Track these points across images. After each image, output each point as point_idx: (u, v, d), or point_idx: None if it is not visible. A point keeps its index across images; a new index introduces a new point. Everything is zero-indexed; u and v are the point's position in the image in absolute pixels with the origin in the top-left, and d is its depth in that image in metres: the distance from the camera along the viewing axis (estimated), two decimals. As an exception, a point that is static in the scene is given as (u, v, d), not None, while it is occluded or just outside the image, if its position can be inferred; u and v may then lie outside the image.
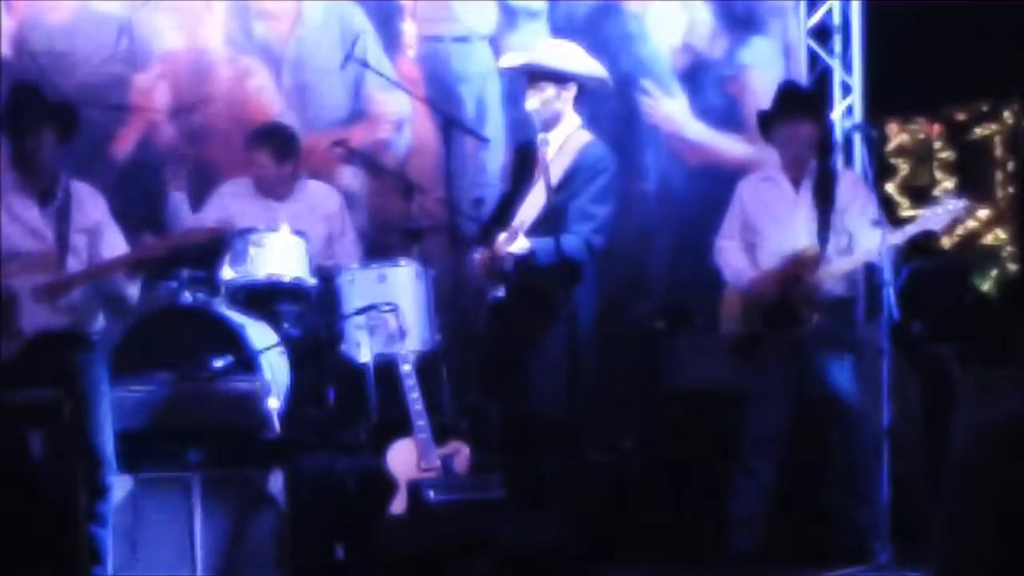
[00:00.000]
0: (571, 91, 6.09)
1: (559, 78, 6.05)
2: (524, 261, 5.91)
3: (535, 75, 6.10)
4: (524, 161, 6.24)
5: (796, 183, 6.44)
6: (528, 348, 6.01)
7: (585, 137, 6.13)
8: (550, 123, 6.05)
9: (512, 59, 6.41)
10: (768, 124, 6.53)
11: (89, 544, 5.64)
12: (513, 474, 6.07)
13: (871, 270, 6.56)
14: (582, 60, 6.22)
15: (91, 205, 5.88)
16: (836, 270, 6.33)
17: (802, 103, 6.56)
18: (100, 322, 5.86)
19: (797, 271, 6.29)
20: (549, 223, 5.85)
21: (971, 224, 10.11)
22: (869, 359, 6.89)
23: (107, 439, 5.73)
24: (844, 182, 6.50)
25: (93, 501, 5.65)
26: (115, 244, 5.90)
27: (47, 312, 5.65)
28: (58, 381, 5.62)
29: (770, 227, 6.44)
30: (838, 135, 7.98)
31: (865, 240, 6.29)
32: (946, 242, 10.18)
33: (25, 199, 5.76)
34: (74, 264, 5.76)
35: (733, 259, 6.49)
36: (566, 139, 6.09)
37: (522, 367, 6.02)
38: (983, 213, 10.06)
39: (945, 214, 6.28)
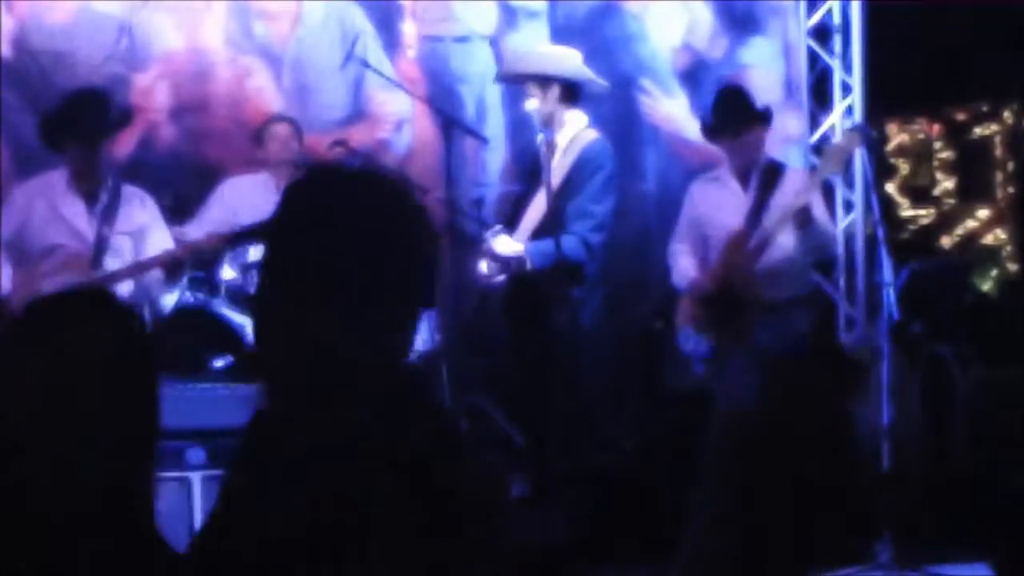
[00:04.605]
0: (555, 91, 6.14)
1: (541, 80, 6.12)
2: (520, 264, 5.91)
3: (518, 79, 6.30)
4: (533, 162, 6.28)
5: (745, 183, 6.46)
6: (529, 348, 6.01)
7: (589, 136, 6.17)
8: (549, 124, 6.09)
9: (503, 69, 6.54)
10: (712, 133, 6.55)
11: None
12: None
13: (870, 270, 6.56)
14: (561, 61, 6.28)
15: (138, 208, 6.02)
16: (769, 234, 6.29)
17: (743, 111, 6.51)
18: None
19: (730, 258, 6.30)
20: (550, 223, 5.86)
21: (971, 224, 10.13)
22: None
23: None
24: (791, 177, 6.51)
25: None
26: (161, 246, 6.00)
27: None
28: None
29: (718, 229, 6.45)
30: (838, 135, 7.98)
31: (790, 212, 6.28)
32: (946, 242, 10.19)
33: (72, 199, 5.88)
34: (114, 264, 5.84)
35: (680, 262, 6.52)
36: (572, 139, 6.12)
37: (522, 367, 6.03)
38: (983, 213, 10.06)
39: (841, 152, 6.36)
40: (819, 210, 6.37)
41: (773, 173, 6.45)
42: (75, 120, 5.97)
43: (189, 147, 7.43)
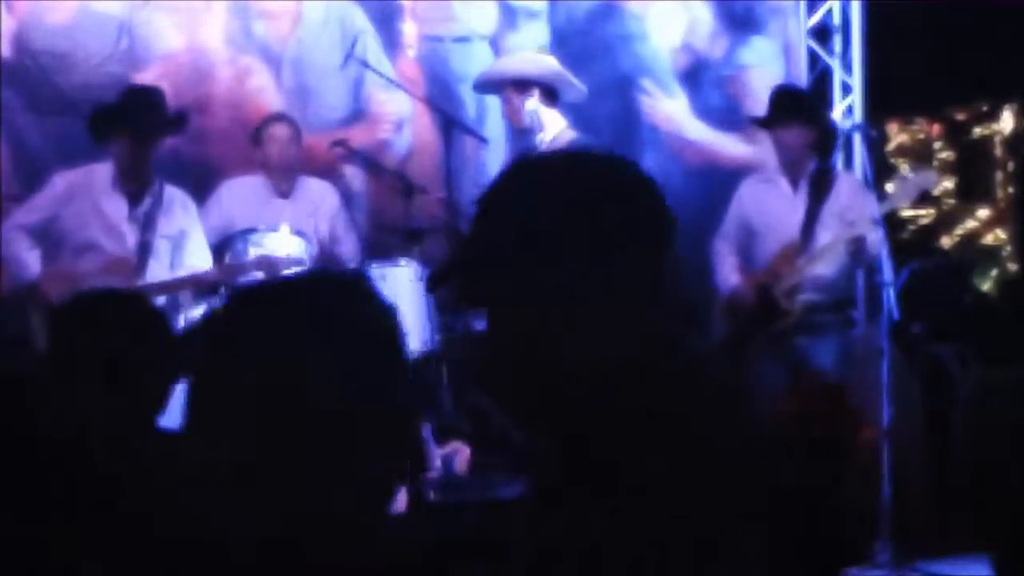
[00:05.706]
0: (533, 94, 6.22)
1: (518, 84, 6.21)
2: None
3: (496, 85, 6.43)
4: None
5: (795, 184, 6.45)
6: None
7: (571, 136, 6.25)
8: (535, 129, 6.20)
9: (479, 78, 6.72)
10: (764, 129, 6.58)
11: None
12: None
13: (870, 271, 6.57)
14: (538, 63, 6.39)
15: (180, 212, 5.98)
16: (817, 255, 6.30)
17: (795, 108, 6.54)
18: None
19: (777, 270, 6.31)
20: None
21: (971, 224, 10.14)
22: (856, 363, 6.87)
23: None
24: (842, 183, 6.50)
25: None
26: (198, 252, 5.99)
27: None
28: None
29: (767, 230, 6.46)
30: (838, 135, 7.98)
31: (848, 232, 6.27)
32: (946, 242, 10.20)
33: (115, 197, 5.83)
34: (156, 268, 5.82)
35: (722, 264, 6.55)
36: (554, 139, 6.19)
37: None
38: (983, 213, 10.07)
39: (913, 187, 6.33)
40: (872, 236, 6.33)
41: (824, 179, 6.45)
42: (130, 113, 5.88)
43: (189, 147, 7.42)
